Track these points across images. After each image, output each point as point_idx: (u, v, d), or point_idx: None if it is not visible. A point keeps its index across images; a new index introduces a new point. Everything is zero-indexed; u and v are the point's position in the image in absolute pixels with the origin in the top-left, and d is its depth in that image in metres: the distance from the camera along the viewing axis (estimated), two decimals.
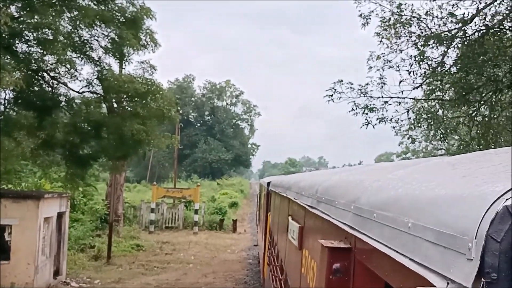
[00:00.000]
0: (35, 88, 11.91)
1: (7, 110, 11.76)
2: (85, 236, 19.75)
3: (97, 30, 12.60)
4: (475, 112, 13.48)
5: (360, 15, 13.43)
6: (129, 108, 12.87)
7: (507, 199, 0.96)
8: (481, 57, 11.10)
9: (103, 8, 12.41)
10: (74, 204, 20.14)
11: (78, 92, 13.20)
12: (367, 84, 13.11)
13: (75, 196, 19.83)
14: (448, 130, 13.82)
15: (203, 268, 17.74)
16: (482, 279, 0.92)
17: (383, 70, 13.15)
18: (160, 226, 28.22)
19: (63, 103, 12.91)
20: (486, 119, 13.67)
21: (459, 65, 12.18)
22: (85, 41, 12.49)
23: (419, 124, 14.04)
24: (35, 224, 12.57)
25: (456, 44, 12.74)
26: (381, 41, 13.37)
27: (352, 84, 13.10)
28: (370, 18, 13.34)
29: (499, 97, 12.61)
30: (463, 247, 0.99)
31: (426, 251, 1.18)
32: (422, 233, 1.23)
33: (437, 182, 1.57)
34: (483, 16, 12.24)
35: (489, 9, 12.24)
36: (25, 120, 10.45)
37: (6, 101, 11.94)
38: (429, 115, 13.36)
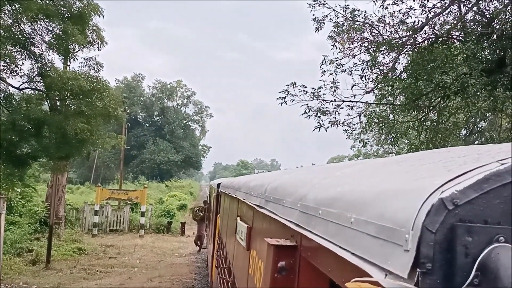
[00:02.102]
0: None
1: None
2: (23, 240, 18.97)
3: (41, 25, 12.16)
4: (424, 117, 14.03)
5: (314, 19, 13.70)
6: (73, 106, 12.47)
7: (442, 192, 1.00)
8: (430, 64, 11.57)
9: (47, 1, 12.00)
10: (11, 206, 19.33)
11: (18, 88, 12.68)
12: (320, 87, 13.39)
13: (12, 198, 19.04)
14: (398, 134, 14.29)
15: (148, 272, 17.44)
16: (418, 269, 0.96)
17: (336, 74, 13.48)
18: (104, 229, 27.52)
19: (1, 99, 12.35)
20: (435, 124, 14.26)
21: (409, 71, 12.65)
22: (27, 36, 12.01)
23: (371, 128, 14.44)
24: None
25: (406, 51, 13.25)
26: (334, 45, 13.70)
27: (305, 87, 13.35)
28: (323, 23, 13.64)
29: (447, 103, 13.19)
30: (400, 238, 1.02)
31: (367, 245, 1.21)
32: (363, 228, 1.26)
33: (382, 178, 1.62)
34: (433, 25, 12.81)
35: (438, 19, 12.82)
36: None
37: None
38: (380, 119, 13.77)
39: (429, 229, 0.96)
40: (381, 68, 13.48)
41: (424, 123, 14.21)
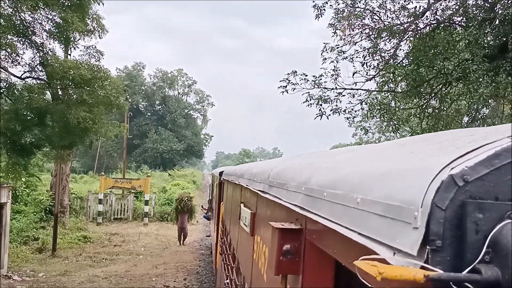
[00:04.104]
0: None
1: None
2: (29, 228, 19.12)
3: (41, 14, 12.08)
4: (426, 104, 13.96)
5: (314, 6, 13.59)
6: (74, 95, 12.43)
7: (452, 168, 0.98)
8: (432, 50, 11.47)
9: None
10: (16, 195, 19.43)
11: (20, 77, 12.64)
12: (321, 75, 13.31)
13: (17, 187, 19.11)
14: (400, 121, 14.23)
15: (153, 259, 17.55)
16: (427, 247, 0.94)
17: (337, 61, 13.39)
18: (108, 217, 27.68)
19: (3, 89, 12.32)
20: (436, 110, 14.19)
21: (411, 58, 12.56)
22: (27, 25, 11.94)
23: (372, 115, 14.39)
24: None
25: (408, 37, 13.14)
26: (335, 32, 13.59)
27: (306, 75, 13.26)
28: (324, 9, 13.52)
29: (448, 89, 13.12)
30: (409, 216, 1.00)
31: (374, 224, 1.19)
32: (370, 207, 1.24)
33: (386, 160, 1.60)
34: (434, 11, 12.68)
35: (440, 4, 12.69)
36: None
37: None
38: (382, 107, 13.71)
39: (439, 206, 0.94)
40: (382, 55, 13.39)
41: (426, 110, 14.15)
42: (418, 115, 14.25)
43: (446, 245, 0.94)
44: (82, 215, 26.44)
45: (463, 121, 16.10)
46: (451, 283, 0.89)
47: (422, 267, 0.92)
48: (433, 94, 13.47)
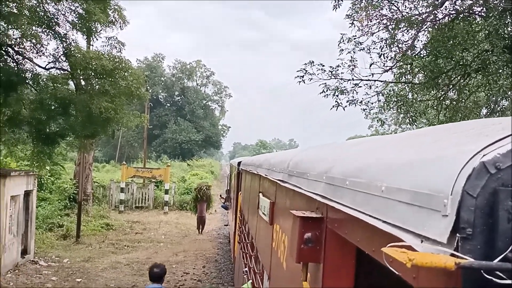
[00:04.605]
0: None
1: None
2: (53, 215, 19.43)
3: (63, 5, 12.17)
4: (444, 96, 13.73)
5: None
6: (97, 86, 12.54)
7: (484, 155, 0.95)
8: (451, 41, 11.25)
9: None
10: (41, 183, 19.74)
11: (44, 68, 12.77)
12: (338, 66, 13.16)
13: (43, 175, 19.40)
14: (417, 113, 14.03)
15: (173, 247, 17.71)
16: (457, 235, 0.91)
17: (354, 52, 13.21)
18: (130, 205, 28.00)
19: (28, 79, 12.48)
20: (454, 102, 13.96)
21: (429, 49, 12.33)
22: (51, 16, 12.04)
23: (389, 107, 14.21)
24: (2, 202, 12.25)
25: (426, 27, 12.90)
26: (352, 23, 13.40)
27: (323, 65, 13.12)
28: (342, 0, 13.34)
29: (467, 81, 12.87)
30: (438, 204, 0.97)
31: (400, 212, 1.17)
32: (395, 195, 1.22)
33: (410, 148, 1.56)
34: (454, 1, 12.41)
35: None
36: None
37: None
38: (398, 98, 13.52)
39: (470, 193, 0.91)
40: (400, 46, 13.17)
41: (444, 102, 13.91)
42: (435, 107, 14.03)
43: (476, 233, 0.91)
44: (105, 203, 26.81)
45: (481, 113, 15.83)
46: (482, 271, 0.86)
47: (452, 255, 0.89)
48: (451, 86, 13.23)
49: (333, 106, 13.19)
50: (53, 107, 12.64)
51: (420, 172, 1.17)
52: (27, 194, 14.18)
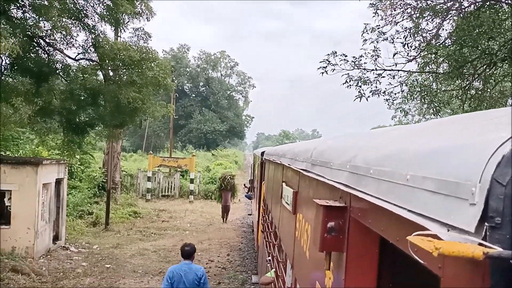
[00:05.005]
0: (31, 54, 11.64)
1: (4, 76, 11.54)
2: (83, 203, 19.81)
3: None
4: (469, 86, 13.39)
5: None
6: (124, 76, 12.66)
7: None
8: (476, 29, 10.93)
9: None
10: (71, 172, 20.11)
11: (74, 59, 12.96)
12: (361, 56, 12.95)
13: (73, 164, 19.77)
14: (441, 103, 13.73)
15: (199, 235, 17.89)
16: (486, 223, 0.88)
17: (377, 42, 12.97)
18: (156, 194, 28.35)
19: (59, 70, 12.68)
20: (480, 92, 13.60)
21: (454, 38, 12.03)
22: (80, 8, 12.19)
23: (413, 97, 13.95)
24: (34, 189, 12.56)
25: (451, 16, 12.58)
26: (376, 12, 13.15)
27: (346, 56, 12.93)
28: None
29: (493, 70, 12.52)
30: (465, 192, 0.94)
31: (426, 201, 1.14)
32: (421, 184, 1.19)
33: (436, 136, 1.52)
34: None
35: None
36: (22, 86, 10.23)
37: (2, 67, 11.72)
38: (422, 88, 13.25)
39: (499, 181, 0.88)
40: (424, 35, 12.89)
41: (469, 92, 13.57)
42: (460, 97, 13.71)
43: (506, 222, 0.87)
44: (132, 191, 27.20)
45: (507, 103, 15.39)
46: (511, 261, 0.83)
47: (480, 245, 0.86)
48: (477, 75, 12.89)
49: (356, 97, 13.02)
50: (82, 97, 12.82)
51: (446, 160, 1.14)
52: (58, 182, 14.48)
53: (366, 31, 12.93)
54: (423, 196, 1.16)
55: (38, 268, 11.89)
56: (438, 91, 13.91)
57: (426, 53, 12.49)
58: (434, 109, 13.79)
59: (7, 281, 10.62)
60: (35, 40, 11.74)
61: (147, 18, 12.46)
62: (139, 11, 12.19)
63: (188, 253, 7.13)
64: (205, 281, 6.96)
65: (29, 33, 11.00)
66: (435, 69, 13.43)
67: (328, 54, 12.90)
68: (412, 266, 1.97)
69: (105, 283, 11.38)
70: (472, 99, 13.60)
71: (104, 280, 11.62)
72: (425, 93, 13.22)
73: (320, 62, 12.86)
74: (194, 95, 69.10)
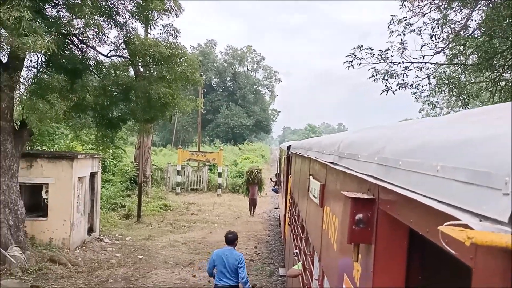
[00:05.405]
0: (65, 52, 11.88)
1: (40, 73, 11.81)
2: (116, 196, 20.21)
3: None
4: (499, 77, 13.02)
5: None
6: (155, 72, 12.79)
7: None
8: (507, 20, 10.59)
9: None
10: (104, 166, 20.49)
11: (106, 56, 13.17)
12: (388, 49, 12.73)
13: (106, 158, 20.13)
14: (470, 96, 13.40)
15: (227, 227, 17.99)
16: None
17: (404, 34, 12.71)
18: (186, 188, 28.68)
19: (92, 66, 12.91)
20: (510, 84, 13.20)
21: (483, 29, 11.68)
22: (112, 6, 12.36)
23: (441, 90, 13.65)
24: (70, 183, 12.88)
25: (480, 6, 12.22)
26: (403, 4, 12.88)
27: (372, 49, 12.74)
28: None
29: None
30: (498, 182, 0.92)
31: (457, 192, 1.11)
32: (452, 175, 1.16)
33: (466, 127, 1.49)
34: None
35: None
36: (58, 83, 10.44)
37: (38, 64, 12.00)
38: (450, 80, 12.95)
39: None
40: (452, 26, 12.57)
41: (499, 84, 13.18)
42: (490, 89, 13.33)
43: None
44: (163, 185, 27.59)
45: None
46: None
47: None
48: (507, 67, 12.51)
49: (383, 91, 12.82)
50: (115, 93, 13.03)
51: (477, 151, 1.11)
52: (93, 175, 14.81)
53: (393, 23, 12.70)
54: (454, 186, 1.14)
55: (74, 258, 12.20)
56: (467, 83, 13.57)
57: (454, 44, 12.17)
58: (463, 102, 13.48)
59: (45, 270, 10.96)
60: (69, 38, 11.97)
61: (175, 14, 12.53)
62: (168, 7, 12.27)
63: (230, 239, 7.95)
64: (243, 265, 7.65)
65: (63, 31, 11.22)
66: (463, 61, 13.09)
67: (354, 48, 12.74)
68: (442, 259, 1.93)
69: (138, 273, 11.61)
70: (502, 91, 13.20)
71: (137, 271, 11.85)
72: (454, 85, 12.92)
73: (346, 56, 12.72)
74: (221, 90, 69.29)
